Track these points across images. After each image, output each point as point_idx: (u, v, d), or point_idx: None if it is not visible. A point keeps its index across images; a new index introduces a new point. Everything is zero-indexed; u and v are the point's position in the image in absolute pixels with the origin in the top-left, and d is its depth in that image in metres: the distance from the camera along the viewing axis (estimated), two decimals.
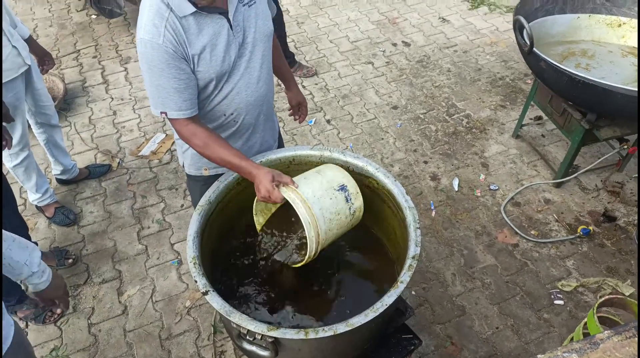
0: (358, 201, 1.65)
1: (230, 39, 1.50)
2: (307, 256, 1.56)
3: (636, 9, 2.85)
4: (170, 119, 1.54)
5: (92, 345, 2.31)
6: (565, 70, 2.36)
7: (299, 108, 2.07)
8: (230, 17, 1.48)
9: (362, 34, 4.42)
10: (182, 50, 1.42)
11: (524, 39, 2.58)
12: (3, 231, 1.38)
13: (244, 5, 1.53)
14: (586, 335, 1.87)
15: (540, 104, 2.98)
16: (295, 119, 2.10)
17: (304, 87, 3.85)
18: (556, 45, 2.93)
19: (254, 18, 1.56)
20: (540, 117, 3.40)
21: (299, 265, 1.61)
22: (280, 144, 2.07)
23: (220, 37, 1.48)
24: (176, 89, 1.45)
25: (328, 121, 3.55)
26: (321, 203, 1.54)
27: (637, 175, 3.01)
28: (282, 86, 2.03)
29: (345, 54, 4.18)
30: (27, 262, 1.43)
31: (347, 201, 1.62)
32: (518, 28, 2.62)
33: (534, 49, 2.48)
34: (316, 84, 3.88)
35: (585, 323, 1.87)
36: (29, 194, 2.80)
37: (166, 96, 1.46)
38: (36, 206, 2.85)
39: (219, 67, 1.50)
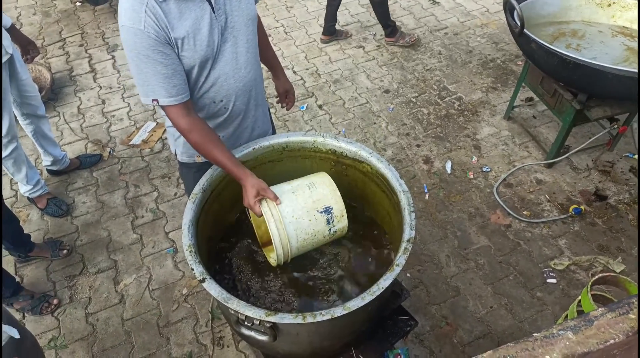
0: (341, 224, 1.67)
1: (213, 22, 1.46)
2: (275, 264, 1.65)
3: None
4: (163, 108, 1.52)
5: (90, 335, 2.32)
6: (556, 51, 2.36)
7: (286, 95, 2.05)
8: (212, 0, 1.46)
9: (352, 18, 4.38)
10: (164, 34, 1.38)
11: (515, 21, 2.57)
12: None
13: None
14: (580, 312, 1.91)
15: (531, 85, 2.98)
16: (282, 107, 2.09)
17: (294, 72, 3.82)
18: (547, 26, 2.92)
19: (236, 2, 1.52)
20: (531, 99, 3.41)
21: (273, 264, 1.70)
22: (273, 131, 2.07)
23: (203, 21, 1.44)
24: (164, 75, 1.42)
25: (320, 106, 3.54)
26: (298, 224, 1.59)
27: (627, 154, 3.04)
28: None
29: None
30: None
31: (328, 223, 1.65)
32: (509, 9, 2.61)
33: (525, 30, 2.48)
34: (307, 69, 3.85)
35: (579, 301, 1.90)
36: (20, 186, 2.77)
37: (155, 83, 1.43)
38: (28, 198, 2.83)
39: (204, 51, 1.47)
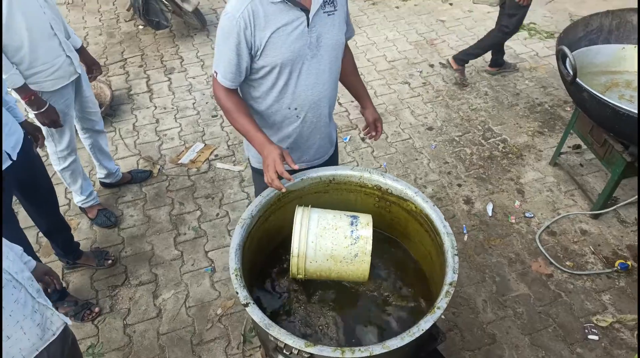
0: (365, 231, 1.70)
1: (304, 35, 1.65)
2: (290, 269, 1.71)
3: None
4: (213, 79, 1.74)
5: (127, 346, 2.39)
6: (609, 102, 2.34)
7: (375, 125, 2.13)
8: (310, 17, 1.63)
9: (400, 54, 4.46)
10: (250, 32, 1.58)
11: (567, 69, 2.57)
12: None
13: (324, 12, 1.68)
14: None
15: (580, 133, 2.94)
16: (370, 138, 2.18)
17: (340, 104, 3.91)
18: (599, 75, 2.90)
19: (330, 26, 1.70)
20: (579, 146, 3.36)
21: (290, 274, 1.75)
22: (336, 153, 2.16)
23: (297, 29, 1.63)
24: (229, 59, 1.63)
25: (363, 139, 3.59)
26: (321, 227, 1.70)
27: None
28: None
29: (382, 73, 4.23)
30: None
31: (351, 224, 1.71)
32: (561, 57, 2.61)
33: (577, 79, 2.47)
34: (352, 101, 3.93)
35: None
36: (73, 196, 2.93)
37: (220, 60, 1.67)
38: (80, 207, 2.98)
39: (288, 54, 1.64)
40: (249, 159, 2.07)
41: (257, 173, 2.04)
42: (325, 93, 1.80)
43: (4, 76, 2.14)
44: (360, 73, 4.23)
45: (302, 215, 1.71)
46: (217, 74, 1.70)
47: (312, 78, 1.73)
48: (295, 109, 1.78)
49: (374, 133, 2.14)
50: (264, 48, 1.62)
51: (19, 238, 2.19)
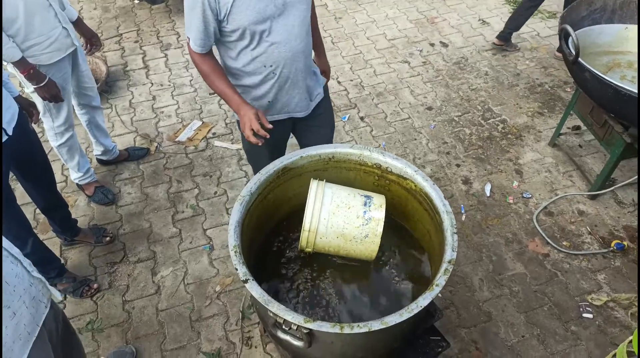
0: (378, 213, 1.72)
1: None
2: (300, 242, 1.73)
3: None
4: (187, 45, 1.84)
5: (126, 321, 2.41)
6: (611, 82, 2.32)
7: (325, 75, 2.23)
8: None
9: (400, 33, 4.40)
10: (215, 2, 1.66)
11: (569, 48, 2.54)
12: None
13: None
14: (630, 353, 1.85)
15: (580, 114, 2.93)
16: None
17: (339, 83, 3.87)
18: (601, 55, 2.87)
19: None
20: (578, 127, 3.35)
21: (300, 246, 1.77)
22: (326, 102, 2.21)
23: None
24: (197, 26, 1.73)
25: (362, 118, 3.57)
26: (335, 198, 1.72)
27: None
28: None
29: (381, 52, 4.18)
30: None
31: (365, 205, 1.73)
32: (564, 36, 2.58)
33: (579, 59, 2.44)
34: (351, 80, 3.90)
35: (630, 342, 1.85)
36: (70, 173, 2.91)
37: (190, 27, 1.77)
38: (77, 184, 2.96)
39: (254, 15, 1.69)
40: (237, 122, 2.11)
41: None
42: (298, 48, 1.85)
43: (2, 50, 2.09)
44: (359, 52, 4.21)
45: (317, 190, 1.71)
46: (189, 39, 1.80)
47: (282, 35, 1.79)
48: (271, 66, 1.85)
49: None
50: (229, 13, 1.68)
51: (17, 215, 2.18)
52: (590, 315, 2.39)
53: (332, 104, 3.63)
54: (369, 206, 1.71)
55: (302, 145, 2.28)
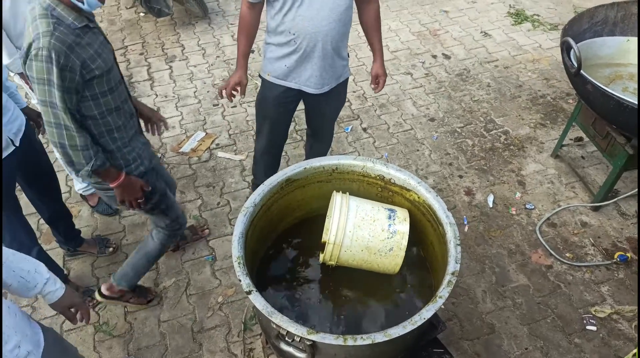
0: (402, 227, 1.74)
1: None
2: (324, 253, 1.72)
3: None
4: None
5: (128, 332, 2.40)
6: (613, 94, 2.33)
7: (377, 79, 2.44)
8: None
9: (402, 45, 4.44)
10: None
11: (571, 60, 2.56)
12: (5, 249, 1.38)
13: None
14: None
15: (583, 125, 2.94)
16: (372, 88, 2.49)
17: None
18: (603, 67, 2.89)
19: None
20: (581, 139, 3.35)
21: (322, 259, 1.77)
22: (339, 94, 2.42)
23: None
24: None
25: (364, 129, 3.58)
26: (360, 213, 1.71)
27: None
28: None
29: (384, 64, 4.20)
30: (37, 270, 1.43)
31: (389, 218, 1.71)
32: (565, 49, 2.60)
33: (581, 70, 2.46)
34: (354, 91, 3.92)
35: (635, 355, 1.84)
36: (75, 183, 2.93)
37: None
38: (81, 194, 2.98)
39: None
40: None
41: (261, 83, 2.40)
42: (322, 29, 2.03)
43: (8, 61, 2.12)
44: (362, 63, 4.23)
45: (342, 202, 1.71)
46: None
47: (312, 11, 1.99)
48: (294, 34, 2.06)
49: (374, 86, 2.48)
50: None
51: (22, 224, 2.19)
52: (594, 328, 2.37)
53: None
54: (394, 219, 1.71)
55: (306, 121, 2.67)
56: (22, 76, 2.23)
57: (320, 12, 2.00)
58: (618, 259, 2.64)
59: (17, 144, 2.00)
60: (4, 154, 1.95)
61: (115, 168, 1.79)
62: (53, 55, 1.47)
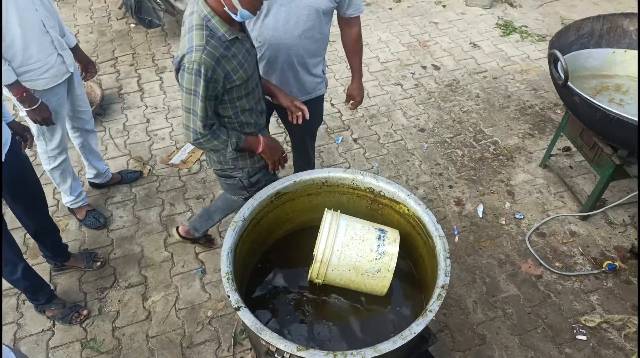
0: (391, 248, 1.73)
1: None
2: (310, 273, 1.70)
3: None
4: None
5: (115, 348, 2.36)
6: (599, 106, 2.36)
7: (351, 98, 2.49)
8: None
9: (393, 56, 4.47)
10: None
11: (558, 72, 2.59)
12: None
13: None
14: None
15: (570, 135, 2.97)
16: (347, 105, 2.55)
17: (332, 105, 3.91)
18: (590, 78, 2.92)
19: None
20: (568, 149, 3.39)
21: (309, 277, 1.75)
22: (314, 109, 2.31)
23: None
24: None
25: (355, 140, 3.59)
26: (350, 232, 1.69)
27: None
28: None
29: (374, 74, 4.24)
30: None
31: (379, 238, 1.71)
32: (553, 61, 2.63)
33: (568, 82, 2.49)
34: (344, 102, 3.93)
35: None
36: (62, 196, 2.89)
37: None
38: (68, 208, 2.94)
39: None
40: None
41: None
42: (285, 41, 2.05)
43: None
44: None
45: (332, 220, 1.70)
46: None
47: (276, 23, 2.01)
48: (259, 43, 2.09)
49: (349, 104, 2.54)
50: None
51: (7, 240, 2.15)
52: (584, 337, 2.38)
53: (325, 126, 3.66)
54: (383, 240, 1.70)
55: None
56: (10, 87, 2.21)
57: (285, 25, 2.03)
58: (607, 268, 2.65)
59: (2, 159, 1.97)
60: None
61: (251, 135, 1.92)
62: (202, 69, 1.60)
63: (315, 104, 2.42)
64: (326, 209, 1.77)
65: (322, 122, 2.82)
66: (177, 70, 1.68)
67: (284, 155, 2.03)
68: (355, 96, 2.47)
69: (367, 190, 1.92)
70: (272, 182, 1.96)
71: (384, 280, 1.68)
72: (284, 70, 2.18)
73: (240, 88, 1.75)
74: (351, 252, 1.67)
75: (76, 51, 2.61)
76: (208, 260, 2.75)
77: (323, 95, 2.47)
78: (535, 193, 3.15)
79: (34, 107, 2.31)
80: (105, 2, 5.25)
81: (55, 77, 2.40)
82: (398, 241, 1.72)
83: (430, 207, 3.02)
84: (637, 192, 2.76)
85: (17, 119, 2.30)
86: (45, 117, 2.37)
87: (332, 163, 3.40)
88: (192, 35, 1.61)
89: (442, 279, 1.54)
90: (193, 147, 3.49)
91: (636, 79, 2.91)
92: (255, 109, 1.90)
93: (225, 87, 1.70)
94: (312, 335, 1.72)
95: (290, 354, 1.38)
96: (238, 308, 1.47)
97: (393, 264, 1.67)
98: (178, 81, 1.71)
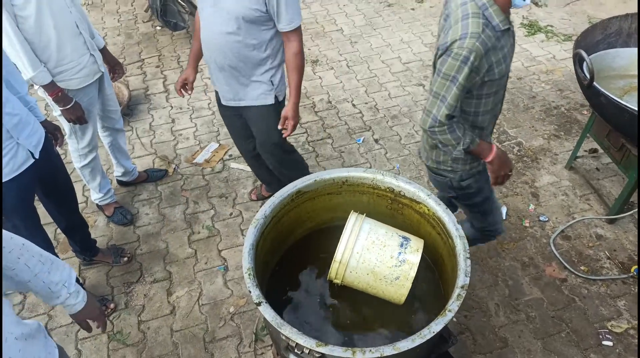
0: (413, 257, 1.71)
1: None
2: (329, 272, 1.70)
3: None
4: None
5: (141, 341, 2.43)
6: (627, 106, 2.31)
7: (285, 121, 2.33)
8: None
9: (415, 56, 4.46)
10: None
11: (584, 73, 2.55)
12: (40, 252, 1.39)
13: None
14: None
15: (597, 137, 2.91)
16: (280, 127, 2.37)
17: (354, 106, 3.92)
18: (617, 79, 2.86)
19: None
20: (595, 150, 3.32)
21: (328, 276, 1.76)
22: (265, 121, 2.39)
23: None
24: None
25: (376, 141, 3.60)
26: (371, 237, 1.69)
27: None
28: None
29: (396, 75, 4.23)
30: (66, 283, 1.44)
31: (401, 246, 1.71)
32: (578, 61, 2.59)
33: (594, 83, 2.44)
34: (366, 103, 3.94)
35: None
36: (91, 193, 2.99)
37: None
38: (97, 204, 3.04)
39: None
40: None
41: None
42: (212, 42, 2.14)
43: (32, 74, 2.20)
44: (374, 75, 4.26)
45: (355, 223, 1.70)
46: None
47: (206, 23, 2.12)
48: (202, 41, 2.22)
49: (284, 129, 2.35)
50: None
51: (39, 235, 2.24)
52: (610, 343, 2.33)
53: (347, 127, 3.67)
54: (405, 248, 1.68)
55: None
56: (46, 87, 2.31)
57: (212, 27, 2.11)
58: (634, 273, 2.59)
59: (37, 157, 2.05)
60: (24, 167, 2.00)
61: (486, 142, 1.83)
62: (471, 57, 1.54)
63: (259, 114, 2.36)
64: (352, 211, 1.77)
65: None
66: (440, 56, 1.63)
67: (510, 172, 1.90)
68: (289, 119, 2.29)
69: (388, 190, 1.92)
70: (482, 189, 1.94)
71: (402, 288, 1.66)
72: (218, 70, 2.26)
73: (494, 84, 1.68)
74: (371, 256, 1.67)
75: (104, 52, 2.69)
76: (230, 257, 2.80)
77: (272, 106, 2.33)
78: (561, 195, 3.10)
79: (68, 106, 2.39)
80: (132, 6, 5.39)
81: (87, 76, 2.48)
82: (421, 251, 1.70)
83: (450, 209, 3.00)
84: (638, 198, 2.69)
85: (49, 119, 2.39)
86: (79, 116, 2.46)
87: (353, 163, 3.41)
88: (467, 23, 1.55)
89: (462, 279, 1.54)
90: (217, 146, 3.56)
91: None
92: (493, 111, 1.84)
93: (484, 79, 1.64)
94: (332, 331, 1.74)
95: (310, 349, 1.40)
96: (259, 304, 1.50)
97: (412, 273, 1.65)
98: (435, 66, 1.67)
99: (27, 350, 1.27)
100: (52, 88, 2.31)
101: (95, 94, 2.62)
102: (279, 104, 2.35)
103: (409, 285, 1.66)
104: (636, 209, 2.82)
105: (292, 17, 2.06)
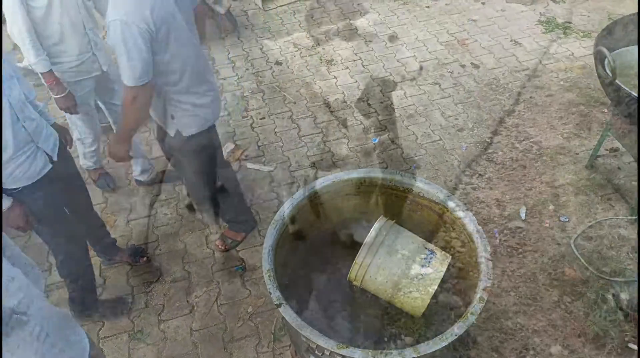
0: (436, 273, 1.67)
1: None
2: (350, 272, 1.70)
3: None
4: None
5: (161, 340, 2.46)
6: None
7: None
8: None
9: (430, 55, 4.42)
10: None
11: (605, 70, 2.50)
12: None
13: None
14: None
15: (618, 136, 2.86)
16: None
17: (369, 105, 3.91)
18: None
19: None
20: (616, 149, 3.26)
21: (349, 277, 1.75)
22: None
23: None
24: None
25: (392, 141, 3.58)
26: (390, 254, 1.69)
27: None
28: None
29: (412, 74, 4.20)
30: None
31: (426, 257, 1.68)
32: (599, 58, 2.54)
33: (616, 80, 2.40)
34: (381, 102, 3.93)
35: None
36: (80, 159, 3.07)
37: None
38: (85, 169, 3.17)
39: None
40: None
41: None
42: None
43: (35, 60, 2.39)
44: (389, 74, 4.23)
45: (381, 228, 1.68)
46: None
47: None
48: None
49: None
50: None
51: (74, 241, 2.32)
52: (635, 346, 2.29)
53: (362, 126, 3.66)
54: (429, 261, 1.63)
55: None
56: (45, 74, 2.46)
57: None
58: None
59: (55, 159, 2.08)
60: (44, 171, 2.02)
61: None
62: None
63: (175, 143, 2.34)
64: (381, 216, 1.75)
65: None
66: None
67: None
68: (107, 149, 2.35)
69: (406, 191, 1.92)
70: None
71: (421, 301, 1.63)
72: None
73: None
74: (392, 265, 1.65)
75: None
76: (248, 257, 2.82)
77: (183, 137, 2.30)
78: (581, 195, 3.05)
79: (61, 95, 2.56)
80: None
81: (83, 72, 2.65)
82: (445, 266, 1.64)
83: (469, 208, 2.98)
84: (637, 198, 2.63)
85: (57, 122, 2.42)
86: (69, 106, 2.63)
87: (369, 164, 3.40)
88: None
89: (484, 282, 1.53)
90: (233, 147, 3.58)
91: None
92: None
93: None
94: (352, 333, 1.74)
95: (331, 351, 1.41)
96: (279, 305, 1.50)
97: (432, 289, 1.61)
98: None
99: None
100: (50, 76, 2.49)
101: (92, 89, 2.76)
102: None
103: (427, 299, 1.62)
104: None
105: (124, 73, 1.95)
